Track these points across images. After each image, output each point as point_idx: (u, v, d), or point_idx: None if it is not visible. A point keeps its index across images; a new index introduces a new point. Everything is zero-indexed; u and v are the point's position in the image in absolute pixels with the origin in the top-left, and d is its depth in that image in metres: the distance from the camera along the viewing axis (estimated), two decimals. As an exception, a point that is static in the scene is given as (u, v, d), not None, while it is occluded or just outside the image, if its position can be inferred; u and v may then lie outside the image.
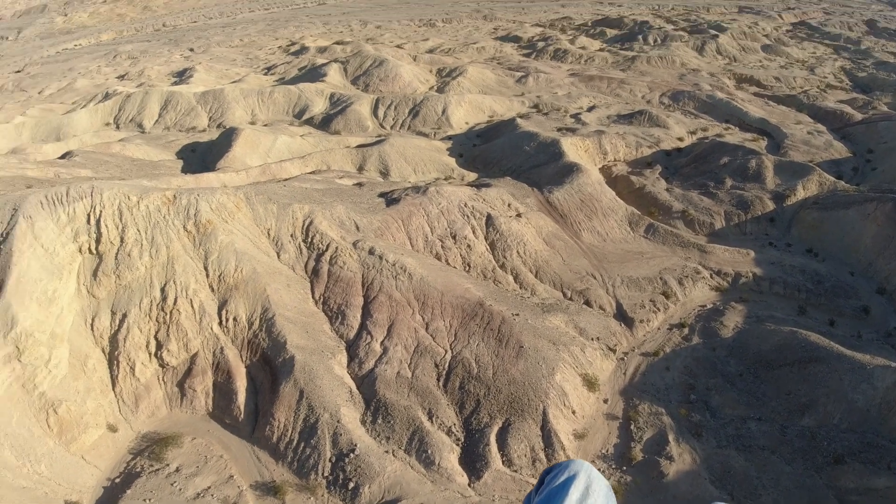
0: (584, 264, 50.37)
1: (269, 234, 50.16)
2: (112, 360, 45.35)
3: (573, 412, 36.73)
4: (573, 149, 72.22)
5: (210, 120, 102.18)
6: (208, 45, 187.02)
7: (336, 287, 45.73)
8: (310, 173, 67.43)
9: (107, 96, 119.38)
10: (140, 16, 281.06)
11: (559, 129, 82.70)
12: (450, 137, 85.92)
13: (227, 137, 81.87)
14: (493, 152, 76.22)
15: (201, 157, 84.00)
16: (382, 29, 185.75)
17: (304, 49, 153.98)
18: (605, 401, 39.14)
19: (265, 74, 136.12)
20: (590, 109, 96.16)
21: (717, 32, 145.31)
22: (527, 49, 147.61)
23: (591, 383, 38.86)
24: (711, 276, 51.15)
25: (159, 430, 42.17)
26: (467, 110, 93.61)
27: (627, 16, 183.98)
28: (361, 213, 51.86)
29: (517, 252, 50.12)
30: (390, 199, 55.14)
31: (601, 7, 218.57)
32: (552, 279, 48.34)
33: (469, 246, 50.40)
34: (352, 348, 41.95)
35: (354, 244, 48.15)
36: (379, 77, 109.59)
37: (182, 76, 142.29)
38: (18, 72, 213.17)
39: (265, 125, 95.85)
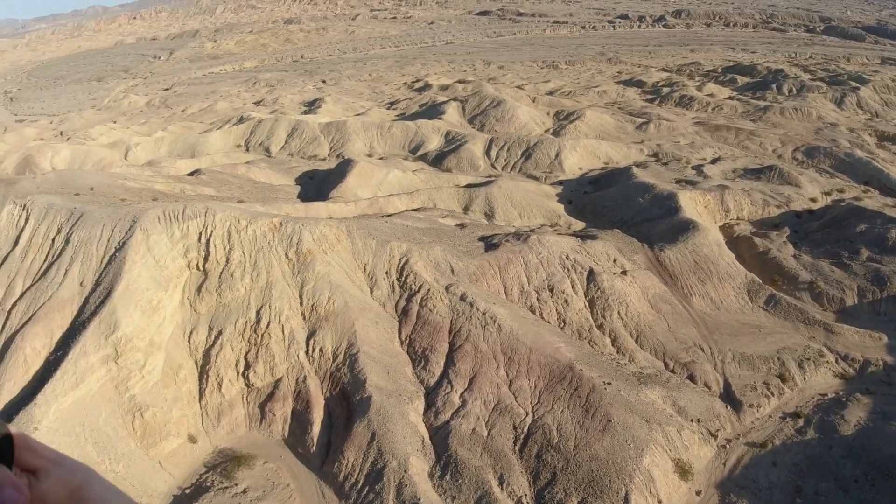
0: (691, 333, 46.23)
1: (364, 269, 50.32)
2: (203, 373, 47.01)
3: (659, 501, 33.07)
4: (691, 203, 67.87)
5: (331, 149, 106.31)
6: (339, 77, 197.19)
7: (423, 330, 44.82)
8: (414, 210, 67.72)
9: (241, 120, 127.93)
10: (281, 47, 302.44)
11: (678, 181, 78.34)
12: (561, 182, 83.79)
13: (343, 168, 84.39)
14: (604, 201, 73.25)
15: (318, 185, 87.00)
16: (505, 69, 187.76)
17: (427, 86, 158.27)
18: (698, 493, 34.92)
19: (388, 109, 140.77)
20: (714, 161, 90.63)
21: (857, 84, 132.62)
22: (650, 94, 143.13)
23: (684, 471, 34.90)
24: (837, 361, 45.11)
25: (235, 448, 42.91)
26: (581, 155, 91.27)
27: (761, 63, 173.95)
28: (458, 256, 50.89)
29: (618, 313, 46.94)
30: (489, 244, 53.85)
31: (733, 53, 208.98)
32: (654, 346, 44.67)
33: (566, 301, 47.87)
34: (430, 396, 40.64)
35: (447, 288, 47.15)
36: (495, 117, 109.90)
37: (312, 106, 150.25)
38: (167, 89, 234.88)
39: (381, 158, 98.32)
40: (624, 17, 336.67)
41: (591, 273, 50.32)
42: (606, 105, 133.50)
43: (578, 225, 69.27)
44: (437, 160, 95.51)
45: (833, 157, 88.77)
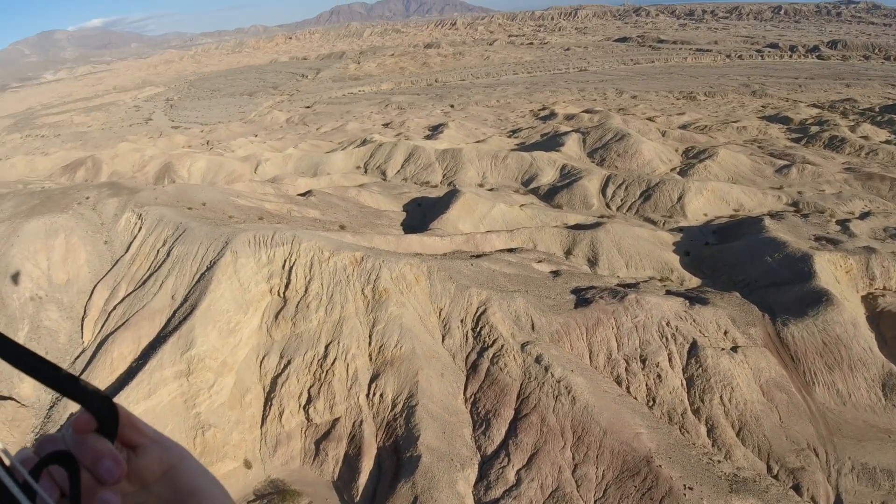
0: (807, 431, 38.72)
1: (440, 315, 47.51)
2: (267, 400, 46.49)
3: None
4: (829, 268, 58.92)
5: (444, 177, 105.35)
6: (467, 103, 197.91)
7: (490, 390, 41.06)
8: (510, 250, 64.20)
9: (364, 142, 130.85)
10: (418, 70, 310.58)
11: (817, 238, 68.77)
12: (681, 229, 76.60)
13: (448, 198, 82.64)
14: (727, 257, 65.58)
15: (424, 212, 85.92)
16: (638, 99, 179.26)
17: (552, 115, 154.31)
18: None
19: (509, 136, 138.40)
20: (862, 216, 79.06)
21: None
22: (797, 133, 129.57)
23: None
24: None
25: (286, 481, 41.84)
26: (708, 200, 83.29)
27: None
28: (542, 310, 46.69)
29: (720, 397, 40.42)
30: (581, 299, 49.12)
31: (893, 90, 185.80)
32: (758, 443, 37.78)
33: (660, 376, 42.03)
34: (484, 465, 36.74)
35: (523, 346, 43.13)
36: (617, 152, 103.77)
37: (435, 130, 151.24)
38: (308, 107, 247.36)
39: (490, 189, 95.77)
40: (773, 46, 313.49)
41: (693, 346, 44.11)
42: (745, 143, 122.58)
43: (692, 282, 62.33)
44: (549, 195, 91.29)
45: None
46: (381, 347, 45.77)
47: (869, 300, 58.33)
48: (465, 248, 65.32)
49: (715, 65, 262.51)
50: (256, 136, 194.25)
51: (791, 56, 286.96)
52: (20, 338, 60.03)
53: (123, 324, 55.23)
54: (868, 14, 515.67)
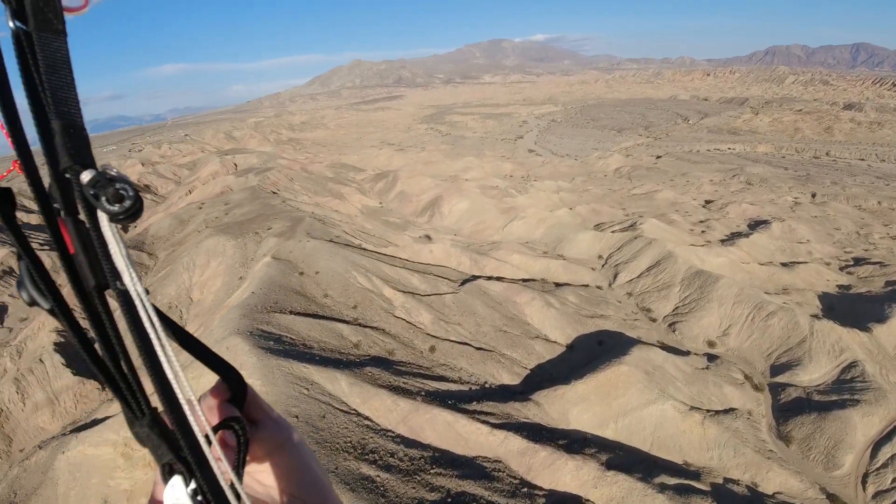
0: None
1: None
2: None
3: None
4: None
5: (673, 311, 77.30)
6: (837, 194, 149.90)
7: None
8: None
9: (631, 226, 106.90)
10: (815, 136, 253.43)
11: None
12: None
13: (612, 357, 58.11)
14: None
15: (591, 358, 63.46)
16: None
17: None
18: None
19: (843, 268, 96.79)
20: None
21: None
22: None
23: None
24: None
25: None
26: None
27: None
28: None
29: None
30: None
31: None
32: None
33: None
34: None
35: None
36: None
37: (755, 227, 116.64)
38: (658, 157, 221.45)
39: (706, 368, 65.17)
40: None
41: None
42: None
43: None
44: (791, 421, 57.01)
45: None
46: None
47: None
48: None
49: None
50: (573, 180, 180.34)
51: None
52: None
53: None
54: None
